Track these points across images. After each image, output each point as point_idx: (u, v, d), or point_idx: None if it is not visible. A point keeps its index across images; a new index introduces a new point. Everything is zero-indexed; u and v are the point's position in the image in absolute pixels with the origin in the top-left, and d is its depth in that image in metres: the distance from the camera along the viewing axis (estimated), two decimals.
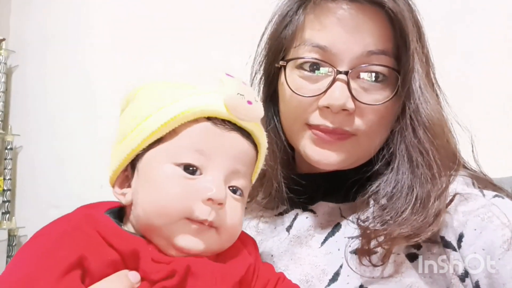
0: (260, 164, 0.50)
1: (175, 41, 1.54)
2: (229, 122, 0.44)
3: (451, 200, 0.49)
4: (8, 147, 1.92)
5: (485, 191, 0.53)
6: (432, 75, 0.57)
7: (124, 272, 0.39)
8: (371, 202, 0.53)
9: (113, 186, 0.46)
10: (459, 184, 0.53)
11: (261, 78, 0.61)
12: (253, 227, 0.61)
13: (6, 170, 1.90)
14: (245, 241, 0.48)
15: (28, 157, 1.97)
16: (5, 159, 1.91)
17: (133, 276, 0.39)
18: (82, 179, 1.66)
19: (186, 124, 0.43)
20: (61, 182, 1.74)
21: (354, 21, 0.51)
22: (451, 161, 0.53)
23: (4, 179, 1.88)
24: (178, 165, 0.42)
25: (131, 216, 0.44)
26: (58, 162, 1.81)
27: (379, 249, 0.48)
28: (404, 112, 0.52)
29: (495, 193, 0.52)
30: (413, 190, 0.50)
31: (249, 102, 0.44)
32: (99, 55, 1.74)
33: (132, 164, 0.45)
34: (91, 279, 0.38)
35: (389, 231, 0.48)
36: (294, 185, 0.58)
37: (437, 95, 0.58)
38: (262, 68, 0.61)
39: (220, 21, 1.49)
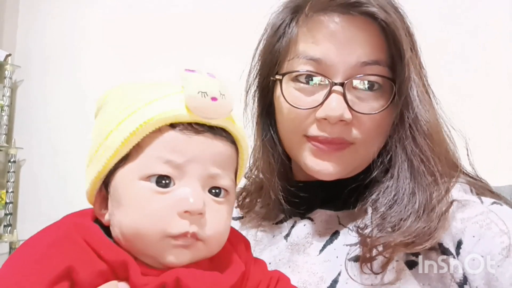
0: (245, 157, 0.46)
1: (174, 54, 1.56)
2: (196, 124, 0.40)
3: (448, 207, 0.49)
4: (11, 160, 1.93)
5: (483, 198, 0.53)
6: (426, 81, 0.57)
7: (114, 282, 0.38)
8: (369, 209, 0.53)
9: (93, 205, 0.44)
10: (457, 191, 0.53)
11: (255, 91, 0.61)
12: (251, 236, 0.61)
13: (8, 183, 1.91)
14: (235, 244, 0.46)
15: (30, 170, 1.99)
16: (8, 172, 1.93)
17: (123, 287, 0.38)
18: (83, 193, 1.67)
19: (149, 136, 0.40)
20: (62, 196, 1.74)
21: (347, 33, 0.52)
22: (451, 168, 0.53)
23: (7, 192, 1.89)
24: (149, 179, 0.39)
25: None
26: (59, 175, 1.82)
27: (379, 257, 0.48)
28: (403, 121, 0.52)
29: (493, 200, 0.52)
30: (414, 197, 0.50)
31: (214, 99, 0.40)
32: (98, 70, 1.77)
33: (106, 184, 0.42)
34: None
35: (391, 240, 0.48)
36: (292, 194, 0.58)
37: (432, 103, 0.58)
38: (256, 81, 0.61)
39: (215, 31, 1.52)
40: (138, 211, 0.39)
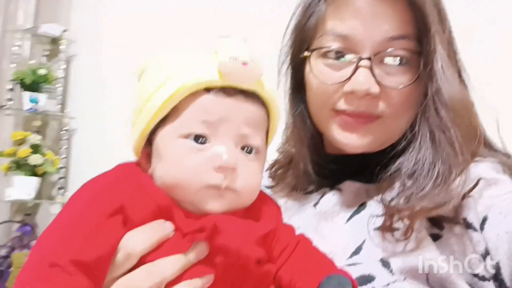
0: (275, 119, 0.48)
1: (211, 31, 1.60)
2: (229, 87, 0.43)
3: (476, 185, 0.50)
4: (65, 129, 2.09)
5: None
6: (455, 57, 0.57)
7: (161, 221, 0.42)
8: (396, 181, 0.54)
9: (139, 160, 0.47)
10: (488, 170, 0.53)
11: (287, 68, 0.63)
12: (282, 204, 0.62)
13: (62, 149, 2.07)
14: (269, 205, 0.50)
15: (82, 138, 2.12)
16: (62, 139, 2.08)
17: (168, 225, 0.42)
18: (129, 158, 1.77)
19: (186, 99, 0.43)
20: (110, 161, 1.86)
21: (373, 9, 0.52)
22: (473, 140, 0.53)
23: (60, 157, 2.04)
24: (187, 137, 0.42)
25: None
26: (107, 142, 1.93)
27: (401, 225, 0.49)
28: (427, 93, 0.52)
29: None
30: (434, 166, 0.50)
31: (244, 64, 0.42)
32: (148, 44, 1.83)
33: (150, 142, 0.46)
34: (131, 226, 0.41)
35: (411, 206, 0.49)
36: (322, 167, 0.60)
37: (461, 77, 0.58)
38: (288, 58, 0.63)
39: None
40: (178, 166, 0.42)
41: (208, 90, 0.43)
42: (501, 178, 0.52)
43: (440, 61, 0.52)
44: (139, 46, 1.88)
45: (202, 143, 0.42)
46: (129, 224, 0.40)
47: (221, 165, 0.42)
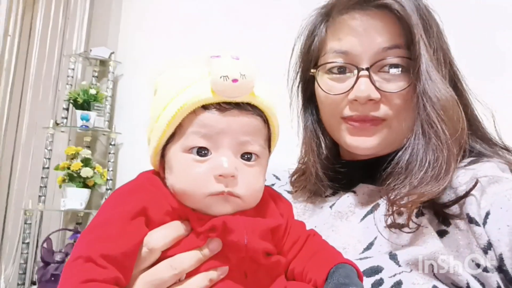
0: (275, 124, 0.51)
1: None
2: (224, 102, 0.46)
3: (476, 184, 0.53)
4: (112, 143, 2.22)
5: None
6: (443, 61, 0.61)
7: (178, 222, 0.47)
8: (395, 175, 0.57)
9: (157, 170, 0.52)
10: (493, 169, 0.57)
11: (298, 86, 0.71)
12: (302, 206, 0.69)
13: (109, 162, 2.21)
14: (280, 205, 0.53)
15: (127, 152, 2.25)
16: (109, 153, 2.22)
17: (186, 225, 0.47)
18: None
19: (188, 117, 0.47)
20: None
21: (366, 26, 0.59)
22: (459, 134, 0.57)
23: (108, 170, 2.18)
24: (191, 151, 0.47)
25: None
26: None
27: (404, 214, 0.54)
28: (416, 93, 0.58)
29: None
30: (426, 158, 0.56)
31: (234, 81, 0.45)
32: (190, 65, 1.94)
33: (163, 156, 0.50)
34: (153, 226, 0.46)
35: (408, 193, 0.54)
36: (337, 172, 0.66)
37: (453, 78, 0.63)
38: (298, 76, 0.70)
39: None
40: (184, 177, 0.47)
41: (205, 107, 0.47)
42: (505, 176, 0.55)
43: (424, 64, 0.57)
44: (179, 66, 2.01)
45: (204, 155, 0.47)
46: (151, 224, 0.46)
47: (221, 173, 0.46)
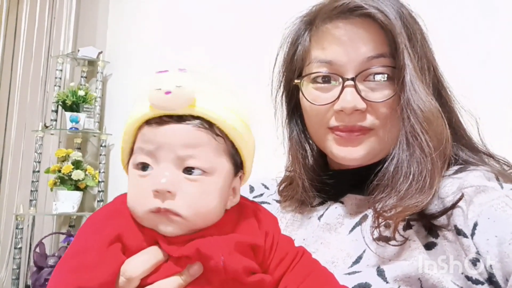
0: (235, 136, 0.48)
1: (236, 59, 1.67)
2: (166, 116, 0.45)
3: (462, 196, 0.53)
4: (103, 145, 2.20)
5: (504, 185, 0.55)
6: (427, 69, 0.60)
7: (156, 247, 0.45)
8: (381, 187, 0.57)
9: None
10: (479, 178, 0.56)
11: (281, 96, 0.69)
12: (290, 217, 0.68)
13: (101, 164, 2.19)
14: (264, 222, 0.51)
15: (119, 153, 2.24)
16: (100, 155, 2.21)
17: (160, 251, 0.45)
18: None
19: (138, 133, 0.47)
20: None
21: (350, 35, 0.58)
22: (442, 145, 0.56)
23: (99, 172, 2.16)
24: (137, 167, 0.46)
25: None
26: None
27: (390, 229, 0.53)
28: (400, 103, 0.57)
29: None
30: (410, 169, 0.55)
31: (167, 92, 0.44)
32: (179, 65, 1.92)
33: None
34: (130, 253, 0.45)
35: (392, 208, 0.53)
36: (323, 182, 0.64)
37: (437, 86, 0.62)
38: (282, 86, 0.68)
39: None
40: (129, 193, 0.46)
41: (148, 122, 0.46)
42: (490, 185, 0.55)
43: (409, 74, 0.57)
44: (167, 66, 1.99)
45: (145, 170, 0.46)
46: (127, 251, 0.45)
47: (155, 188, 0.43)
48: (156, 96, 0.44)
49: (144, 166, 0.46)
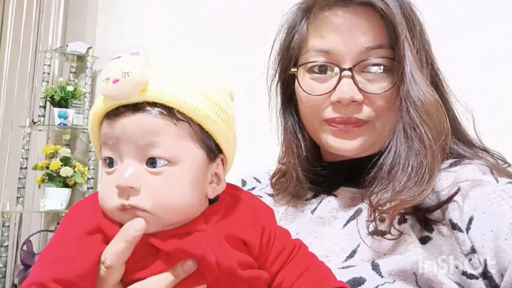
0: (201, 119, 0.44)
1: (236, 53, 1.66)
2: (122, 106, 0.42)
3: (457, 191, 0.52)
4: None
5: (500, 179, 0.55)
6: (426, 61, 0.59)
7: (127, 224, 0.42)
8: (378, 180, 0.56)
9: None
10: (474, 172, 0.55)
11: (276, 85, 0.67)
12: (283, 210, 0.67)
13: (90, 161, 2.16)
14: (261, 215, 0.50)
15: None
16: (90, 151, 2.18)
17: (135, 224, 0.42)
18: None
19: (99, 127, 0.45)
20: None
21: (349, 24, 0.57)
22: (442, 137, 0.55)
23: (88, 168, 2.13)
24: (104, 162, 0.44)
25: None
26: None
27: (385, 223, 0.52)
28: (399, 95, 0.56)
29: (509, 180, 0.54)
30: (408, 161, 0.54)
31: (115, 81, 0.41)
32: (170, 60, 1.90)
33: None
34: None
35: (389, 201, 0.52)
36: (317, 174, 0.64)
37: (437, 77, 0.62)
38: (277, 75, 0.67)
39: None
40: (100, 189, 0.45)
41: (107, 115, 0.44)
42: (486, 179, 0.54)
43: (409, 65, 0.56)
44: (158, 62, 1.97)
45: (111, 166, 0.44)
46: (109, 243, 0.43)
47: (118, 185, 0.42)
48: (105, 86, 0.42)
49: (110, 162, 0.44)
